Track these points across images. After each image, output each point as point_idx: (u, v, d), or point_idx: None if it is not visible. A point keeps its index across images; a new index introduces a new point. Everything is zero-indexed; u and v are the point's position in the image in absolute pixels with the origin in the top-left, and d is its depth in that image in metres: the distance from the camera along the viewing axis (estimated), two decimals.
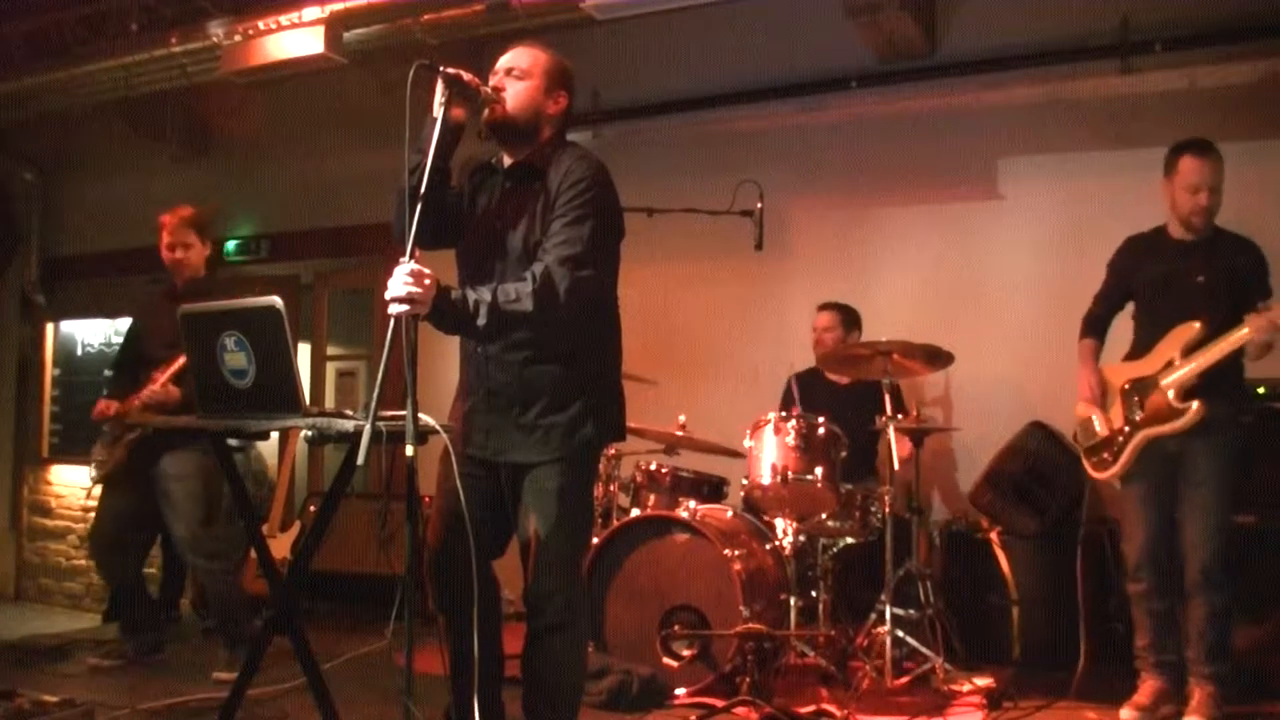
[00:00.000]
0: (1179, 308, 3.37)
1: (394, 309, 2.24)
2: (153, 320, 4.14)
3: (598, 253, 2.50)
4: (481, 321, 2.35)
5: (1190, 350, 3.29)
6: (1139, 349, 3.49)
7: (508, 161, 2.66)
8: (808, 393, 4.50)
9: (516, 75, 2.59)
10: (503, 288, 2.39)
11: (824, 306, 4.72)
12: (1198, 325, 3.28)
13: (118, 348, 4.45)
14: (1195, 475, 3.32)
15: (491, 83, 2.58)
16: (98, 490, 4.21)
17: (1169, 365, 3.33)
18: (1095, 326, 3.66)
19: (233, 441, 3.99)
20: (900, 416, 3.94)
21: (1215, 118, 4.39)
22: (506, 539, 2.70)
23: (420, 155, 2.44)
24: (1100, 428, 3.51)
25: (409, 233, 2.32)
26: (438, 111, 2.42)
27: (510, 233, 2.56)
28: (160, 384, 3.92)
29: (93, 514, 4.29)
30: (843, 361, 4.24)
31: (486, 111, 2.53)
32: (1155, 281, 3.48)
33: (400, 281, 2.24)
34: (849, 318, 4.68)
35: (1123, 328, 3.64)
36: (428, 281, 2.27)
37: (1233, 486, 3.32)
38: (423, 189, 2.36)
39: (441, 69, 2.42)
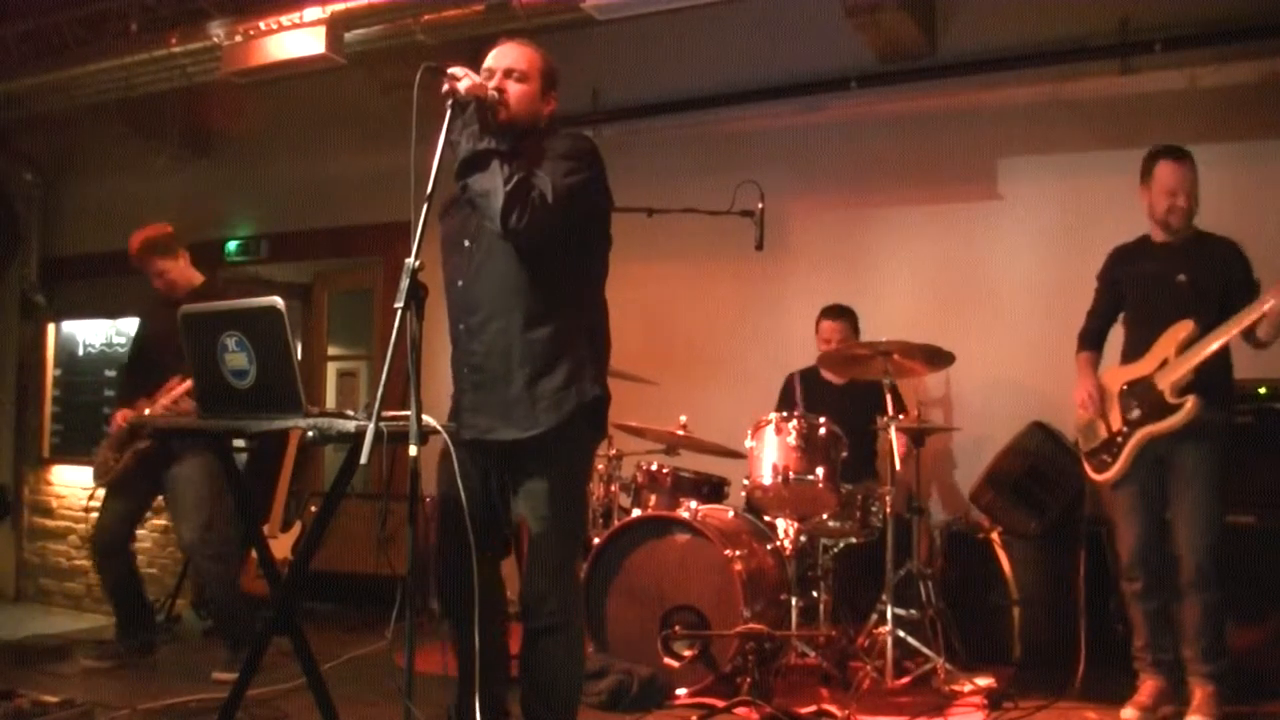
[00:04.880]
0: (1164, 308, 3.40)
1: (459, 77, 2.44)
2: (161, 327, 4.13)
3: (569, 204, 2.53)
4: (481, 145, 2.46)
5: (1184, 349, 3.31)
6: (1132, 352, 3.51)
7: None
8: (806, 392, 4.49)
9: (517, 77, 2.63)
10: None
11: (829, 314, 4.65)
12: (1191, 324, 3.31)
13: (128, 350, 4.43)
14: (1185, 476, 3.33)
15: (493, 83, 2.59)
16: (100, 492, 4.21)
17: (1164, 364, 3.35)
18: (1091, 340, 3.68)
19: (239, 442, 4.00)
20: (900, 416, 3.94)
21: (1215, 118, 4.40)
22: (506, 537, 2.70)
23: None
24: (1100, 431, 3.52)
25: (414, 233, 2.32)
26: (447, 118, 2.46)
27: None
28: (175, 395, 3.93)
29: (94, 515, 4.28)
30: (843, 362, 4.24)
31: (492, 114, 2.55)
32: (1140, 284, 3.52)
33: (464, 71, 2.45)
34: (854, 323, 4.65)
35: (1118, 335, 3.65)
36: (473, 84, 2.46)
37: (1222, 485, 3.33)
38: (429, 189, 2.37)
39: (450, 72, 2.45)
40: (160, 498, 4.26)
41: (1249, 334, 3.25)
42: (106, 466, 4.11)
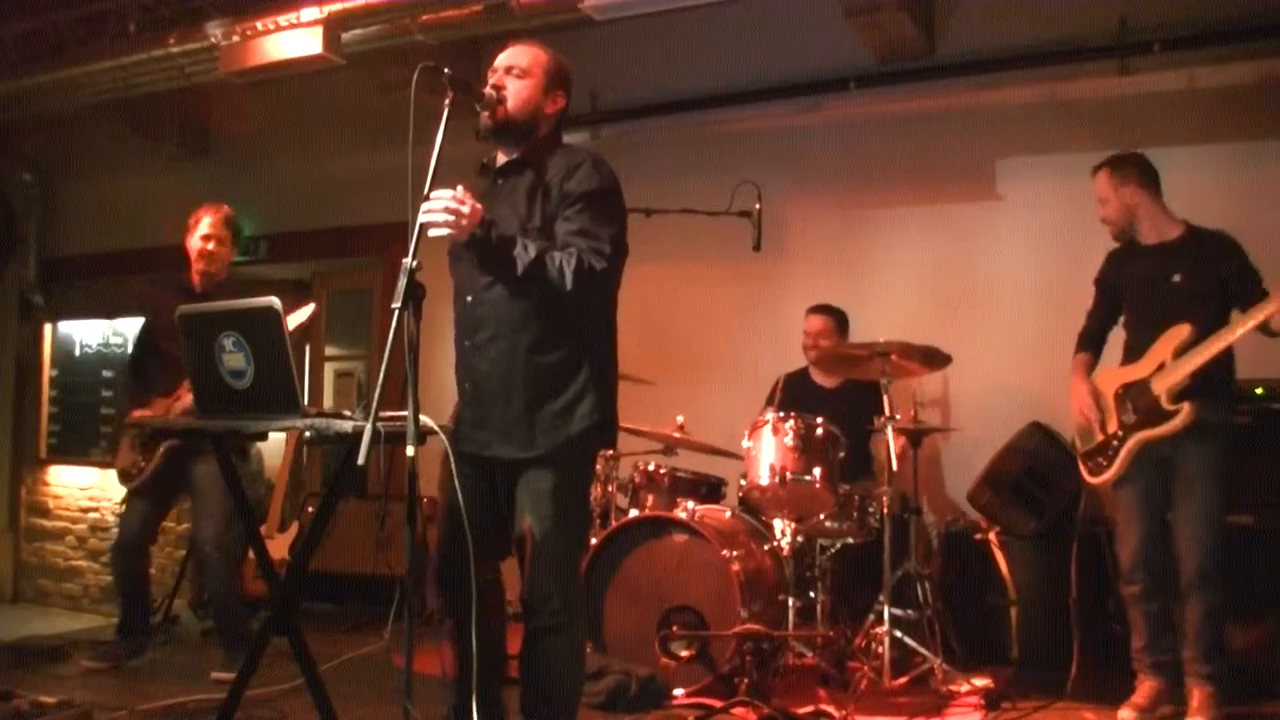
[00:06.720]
0: (1160, 309, 3.39)
1: (432, 232, 2.32)
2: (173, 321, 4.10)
3: (618, 259, 2.56)
4: (521, 265, 2.39)
5: (1181, 352, 3.30)
6: (1130, 354, 3.51)
7: (501, 159, 2.69)
8: (797, 394, 4.49)
9: (516, 74, 2.62)
10: (551, 254, 2.43)
11: (815, 310, 4.70)
12: (1189, 328, 3.29)
13: (134, 348, 4.39)
14: (1188, 477, 3.32)
15: (491, 81, 2.59)
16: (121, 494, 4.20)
17: (1160, 368, 3.34)
18: (1089, 342, 3.68)
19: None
20: (897, 417, 3.94)
21: (1213, 118, 4.40)
22: (510, 540, 2.70)
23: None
24: (1096, 433, 3.52)
25: (412, 233, 2.32)
26: (444, 118, 2.44)
27: (500, 223, 2.56)
28: None
29: (92, 513, 4.27)
30: (840, 363, 4.24)
31: (487, 113, 2.55)
32: (1135, 286, 3.52)
33: (441, 204, 2.30)
34: (841, 321, 4.68)
35: (1118, 336, 3.65)
36: (468, 209, 2.32)
37: (1226, 487, 3.32)
38: (427, 189, 2.37)
39: (447, 73, 2.44)
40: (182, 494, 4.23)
41: (1264, 328, 3.20)
42: (137, 468, 4.08)
